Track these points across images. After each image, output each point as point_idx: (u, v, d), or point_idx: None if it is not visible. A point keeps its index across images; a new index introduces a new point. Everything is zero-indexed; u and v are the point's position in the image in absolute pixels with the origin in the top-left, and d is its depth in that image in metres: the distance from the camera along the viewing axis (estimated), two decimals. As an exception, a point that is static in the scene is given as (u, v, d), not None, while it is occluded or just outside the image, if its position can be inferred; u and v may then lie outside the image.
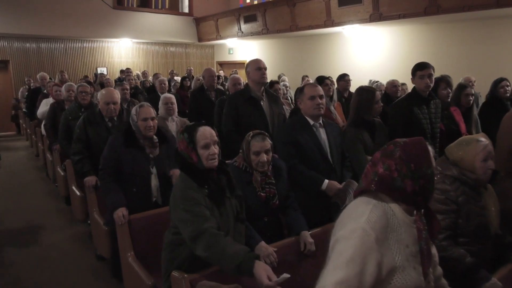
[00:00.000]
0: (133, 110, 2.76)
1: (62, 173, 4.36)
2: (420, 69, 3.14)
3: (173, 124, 3.84)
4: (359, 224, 1.22)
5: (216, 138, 1.93)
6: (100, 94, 3.39)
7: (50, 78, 7.67)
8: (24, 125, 9.42)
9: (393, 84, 4.57)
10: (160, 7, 13.58)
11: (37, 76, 7.43)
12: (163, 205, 2.77)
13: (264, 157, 2.19)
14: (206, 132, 1.89)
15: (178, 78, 9.70)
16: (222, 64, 14.36)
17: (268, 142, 2.22)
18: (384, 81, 5.95)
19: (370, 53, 9.52)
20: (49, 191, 5.58)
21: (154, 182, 2.77)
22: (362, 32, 9.38)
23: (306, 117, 2.66)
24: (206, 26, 12.99)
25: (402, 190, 1.28)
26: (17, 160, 7.81)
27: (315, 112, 2.60)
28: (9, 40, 10.96)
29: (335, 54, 10.35)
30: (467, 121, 3.75)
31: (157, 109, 3.92)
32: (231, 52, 14.04)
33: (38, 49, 11.48)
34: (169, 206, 1.94)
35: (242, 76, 4.73)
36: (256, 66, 3.19)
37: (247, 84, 3.30)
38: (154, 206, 2.76)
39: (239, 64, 13.49)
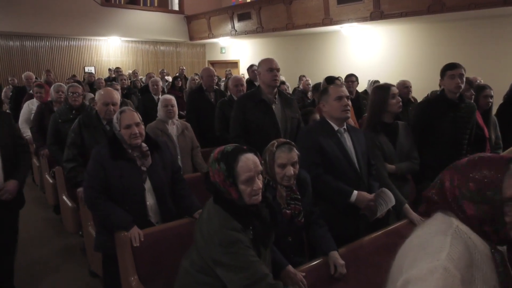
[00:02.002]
0: (114, 118, 2.41)
1: (51, 181, 4.01)
2: (451, 69, 2.98)
3: (173, 128, 3.56)
4: (439, 262, 0.99)
5: (260, 167, 1.58)
6: (98, 95, 3.09)
7: (36, 78, 7.30)
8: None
9: (404, 85, 4.37)
10: (149, 5, 13.29)
11: (22, 76, 7.04)
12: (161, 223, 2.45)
13: (291, 170, 1.94)
14: (249, 163, 1.54)
15: (169, 78, 9.39)
16: (214, 64, 14.07)
17: (295, 154, 1.97)
18: (383, 81, 5.74)
19: (369, 52, 9.31)
20: (36, 198, 5.22)
21: (149, 199, 2.40)
22: (361, 31, 9.19)
23: (330, 122, 2.40)
24: (197, 24, 12.69)
25: (463, 212, 1.08)
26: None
27: (343, 114, 2.35)
28: (-9, 38, 10.50)
29: (333, 53, 10.14)
30: (485, 124, 3.59)
31: (154, 111, 3.69)
32: (224, 51, 13.77)
33: (22, 47, 11.03)
34: (197, 241, 1.62)
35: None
36: (268, 67, 2.89)
37: (258, 85, 3.03)
38: (148, 225, 2.40)
39: (232, 64, 13.24)
